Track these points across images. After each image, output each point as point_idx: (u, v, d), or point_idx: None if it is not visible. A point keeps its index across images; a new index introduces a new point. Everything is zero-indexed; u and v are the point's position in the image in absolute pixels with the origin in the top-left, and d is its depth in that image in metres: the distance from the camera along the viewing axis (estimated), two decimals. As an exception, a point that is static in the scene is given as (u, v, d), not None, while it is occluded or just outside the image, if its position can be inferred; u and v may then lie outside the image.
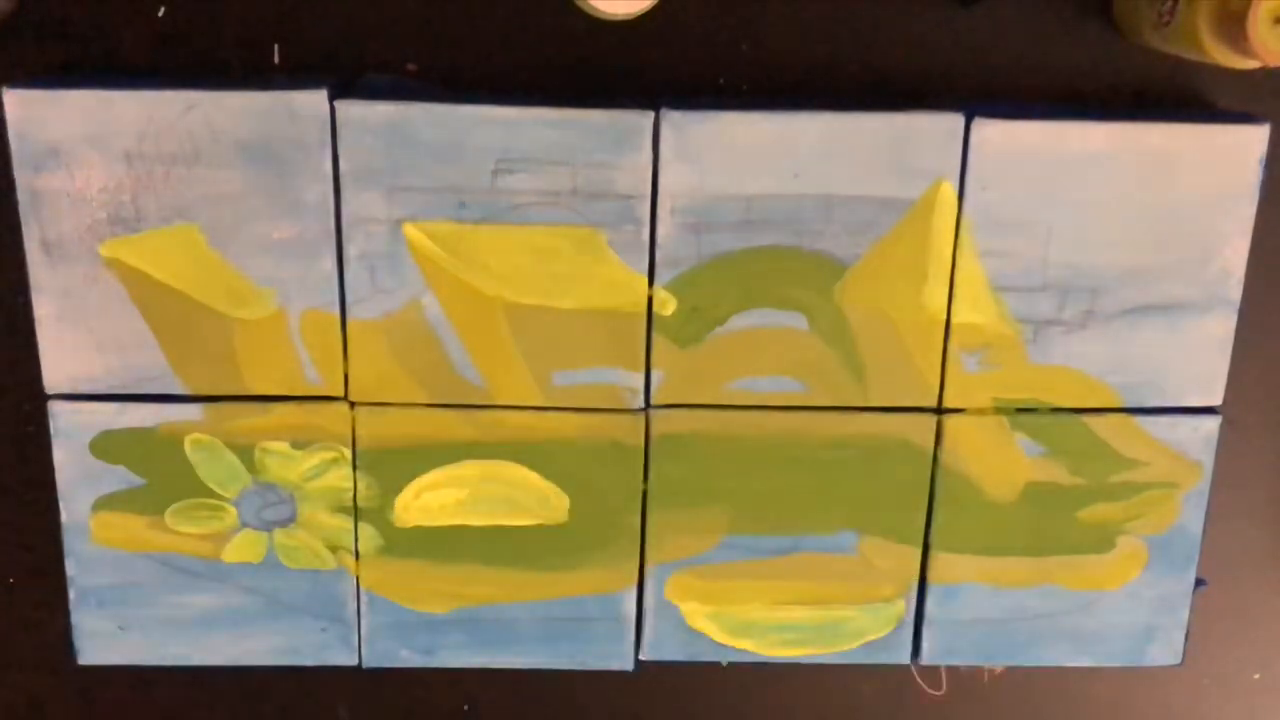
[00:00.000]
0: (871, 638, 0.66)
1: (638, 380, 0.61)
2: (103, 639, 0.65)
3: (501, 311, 0.60)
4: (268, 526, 0.63)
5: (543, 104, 0.58)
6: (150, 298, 0.59)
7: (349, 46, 0.61)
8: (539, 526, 0.63)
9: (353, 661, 0.66)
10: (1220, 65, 0.56)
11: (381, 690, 0.70)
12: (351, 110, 0.57)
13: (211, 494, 0.63)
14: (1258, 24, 0.51)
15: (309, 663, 0.66)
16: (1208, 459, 0.64)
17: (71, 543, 0.63)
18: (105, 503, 0.62)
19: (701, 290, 0.60)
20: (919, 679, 0.69)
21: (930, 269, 0.60)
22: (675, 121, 0.57)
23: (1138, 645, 0.67)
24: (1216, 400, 0.63)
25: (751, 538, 0.64)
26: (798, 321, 0.61)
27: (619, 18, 0.54)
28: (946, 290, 0.60)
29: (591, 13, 0.53)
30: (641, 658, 0.66)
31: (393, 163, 0.58)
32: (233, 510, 0.63)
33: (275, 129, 0.57)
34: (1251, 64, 0.55)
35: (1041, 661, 0.67)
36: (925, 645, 0.66)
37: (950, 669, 0.70)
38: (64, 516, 0.63)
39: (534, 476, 0.63)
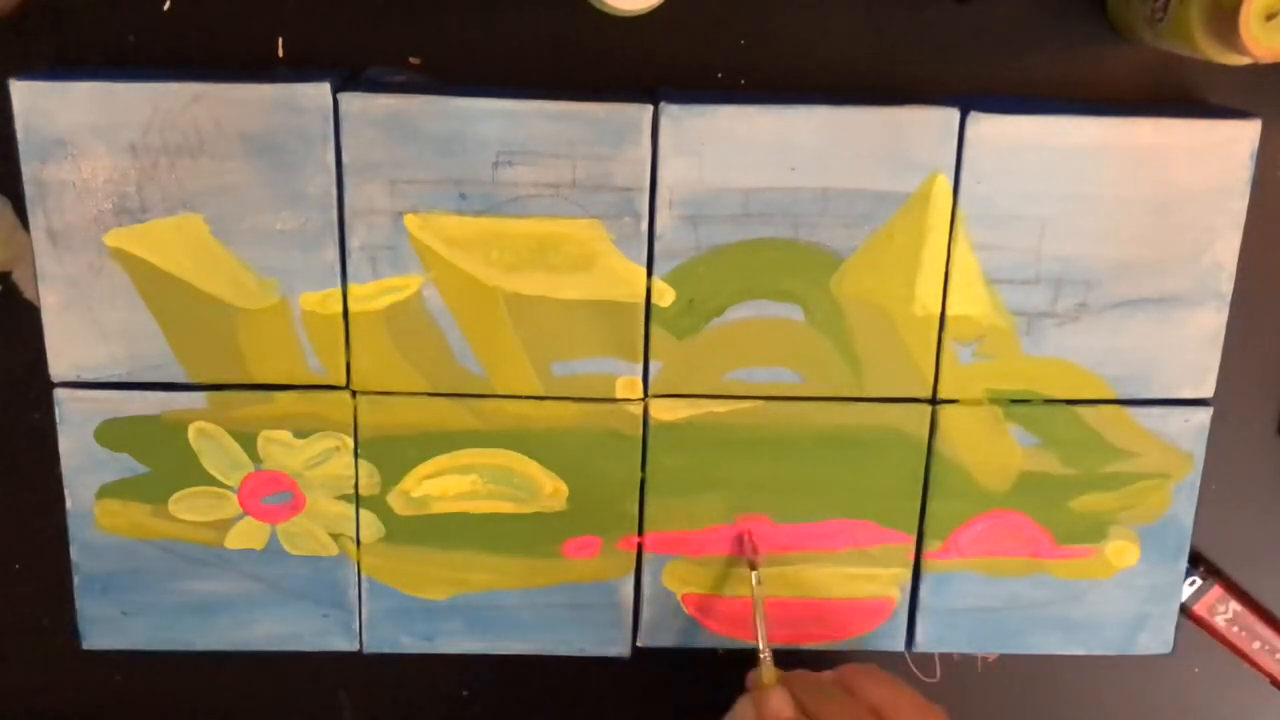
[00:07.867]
0: (866, 625, 0.67)
1: (636, 370, 0.62)
2: (107, 624, 0.65)
3: (502, 302, 0.60)
4: (270, 515, 0.64)
5: (543, 97, 0.58)
6: (155, 287, 0.60)
7: (352, 39, 0.61)
8: (538, 514, 0.64)
9: (353, 647, 0.66)
10: (1212, 61, 0.56)
11: (382, 675, 0.71)
12: (354, 103, 0.58)
13: (214, 482, 0.63)
14: (1249, 20, 0.52)
15: (310, 648, 0.66)
16: (1199, 450, 0.64)
17: (76, 529, 0.64)
18: (109, 490, 0.63)
19: (699, 282, 0.61)
20: (913, 666, 0.69)
21: (925, 261, 0.60)
22: (674, 115, 0.58)
23: (1129, 634, 0.67)
24: (1208, 392, 0.64)
25: (745, 526, 0.65)
26: (794, 313, 0.61)
27: (632, 13, 0.54)
28: (941, 282, 0.61)
29: (603, 9, 0.53)
30: (638, 644, 0.67)
31: (394, 155, 0.58)
32: (235, 498, 0.63)
33: (279, 121, 0.57)
34: (1243, 60, 0.55)
35: (1034, 650, 0.67)
36: (919, 633, 0.67)
37: (944, 656, 0.71)
38: (69, 503, 0.63)
39: (533, 465, 0.63)
